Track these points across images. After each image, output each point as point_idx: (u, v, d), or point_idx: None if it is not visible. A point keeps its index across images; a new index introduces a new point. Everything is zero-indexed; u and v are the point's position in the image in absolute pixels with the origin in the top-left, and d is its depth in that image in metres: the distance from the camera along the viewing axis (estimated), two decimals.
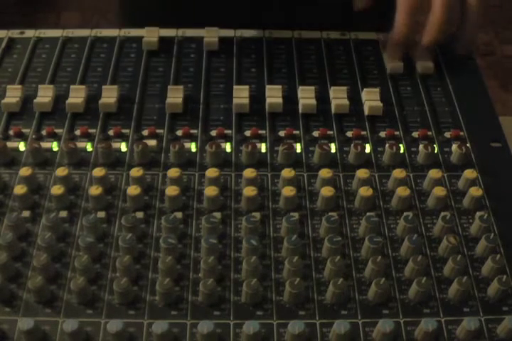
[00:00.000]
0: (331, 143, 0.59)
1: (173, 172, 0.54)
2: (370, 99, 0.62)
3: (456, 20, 0.64)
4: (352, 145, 0.57)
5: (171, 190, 0.52)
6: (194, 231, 0.52)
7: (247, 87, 0.62)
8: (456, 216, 0.53)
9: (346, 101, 0.62)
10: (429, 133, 0.60)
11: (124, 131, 0.59)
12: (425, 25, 0.64)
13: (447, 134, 0.60)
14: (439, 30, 0.63)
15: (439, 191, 0.53)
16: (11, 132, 0.59)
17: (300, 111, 0.62)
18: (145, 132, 0.59)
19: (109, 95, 0.61)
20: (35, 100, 0.61)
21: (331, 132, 0.60)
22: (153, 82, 0.65)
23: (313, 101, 0.61)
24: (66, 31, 0.70)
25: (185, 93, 0.62)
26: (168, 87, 0.62)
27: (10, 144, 0.57)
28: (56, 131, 0.59)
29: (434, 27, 0.63)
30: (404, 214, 0.52)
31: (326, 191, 0.53)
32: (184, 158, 0.57)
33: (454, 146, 0.58)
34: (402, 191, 0.53)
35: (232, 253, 0.51)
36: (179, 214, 0.52)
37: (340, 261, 0.48)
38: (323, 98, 0.63)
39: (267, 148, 0.58)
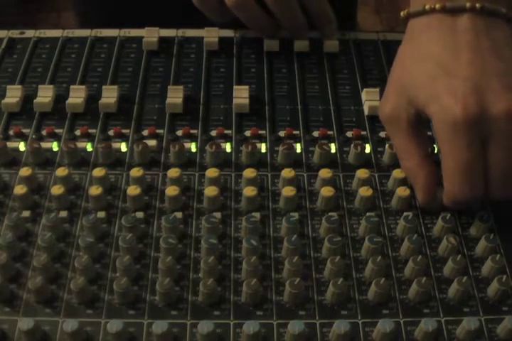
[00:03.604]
0: (330, 143, 0.59)
1: (173, 172, 0.54)
2: (370, 99, 0.62)
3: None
4: (352, 145, 0.57)
5: (171, 190, 0.52)
6: (194, 231, 0.52)
7: (247, 87, 0.62)
8: (456, 216, 0.53)
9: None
10: (429, 133, 0.60)
11: (124, 131, 0.59)
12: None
13: None
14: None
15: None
16: (11, 132, 0.58)
17: (301, 111, 0.62)
18: (145, 132, 0.59)
19: (109, 95, 0.61)
20: (35, 100, 0.61)
21: (331, 132, 0.60)
22: (153, 82, 0.65)
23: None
24: (66, 31, 0.70)
25: (185, 93, 0.62)
26: (168, 87, 0.62)
27: (10, 144, 0.57)
28: (56, 131, 0.59)
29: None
30: (404, 214, 0.52)
31: (326, 191, 0.53)
32: (184, 158, 0.57)
33: None
34: (402, 191, 0.53)
35: (232, 253, 0.51)
36: (179, 214, 0.52)
37: (340, 261, 0.48)
38: (324, 98, 0.63)
39: (267, 148, 0.58)
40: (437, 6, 0.52)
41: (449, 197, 0.51)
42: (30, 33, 0.69)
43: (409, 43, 0.55)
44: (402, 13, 0.56)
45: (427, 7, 0.53)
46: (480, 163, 0.49)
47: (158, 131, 0.59)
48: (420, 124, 0.53)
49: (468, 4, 0.51)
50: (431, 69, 0.51)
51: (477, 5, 0.51)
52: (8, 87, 0.62)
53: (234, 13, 0.64)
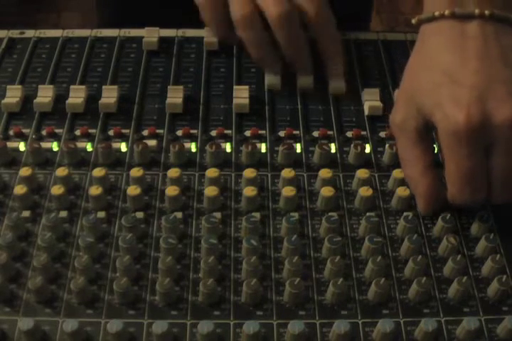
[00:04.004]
0: (330, 143, 0.59)
1: (173, 172, 0.54)
2: (370, 99, 0.62)
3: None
4: (352, 145, 0.57)
5: (171, 190, 0.52)
6: (194, 231, 0.52)
7: (247, 87, 0.62)
8: (456, 216, 0.53)
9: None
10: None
11: (124, 131, 0.59)
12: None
13: None
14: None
15: None
16: (11, 132, 0.58)
17: (301, 111, 0.62)
18: (145, 132, 0.59)
19: (109, 95, 0.61)
20: (35, 100, 0.61)
21: (331, 132, 0.60)
22: (153, 82, 0.65)
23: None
24: (66, 31, 0.70)
25: (185, 93, 0.62)
26: (168, 87, 0.62)
27: (10, 144, 0.57)
28: (56, 131, 0.59)
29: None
30: (404, 214, 0.52)
31: (326, 191, 0.53)
32: (184, 158, 0.57)
33: None
34: (402, 191, 0.53)
35: (232, 253, 0.50)
36: (179, 214, 0.52)
37: (340, 261, 0.48)
38: (324, 98, 0.63)
39: (267, 148, 0.58)
40: (447, 12, 0.52)
41: (450, 198, 0.51)
42: (30, 33, 0.69)
43: (419, 50, 0.55)
44: (413, 20, 0.56)
45: (437, 13, 0.53)
46: (482, 169, 0.49)
47: (158, 131, 0.59)
48: (428, 132, 0.53)
49: (477, 11, 0.51)
50: (437, 77, 0.51)
51: (486, 12, 0.51)
52: (8, 87, 0.62)
53: (238, 31, 0.61)
